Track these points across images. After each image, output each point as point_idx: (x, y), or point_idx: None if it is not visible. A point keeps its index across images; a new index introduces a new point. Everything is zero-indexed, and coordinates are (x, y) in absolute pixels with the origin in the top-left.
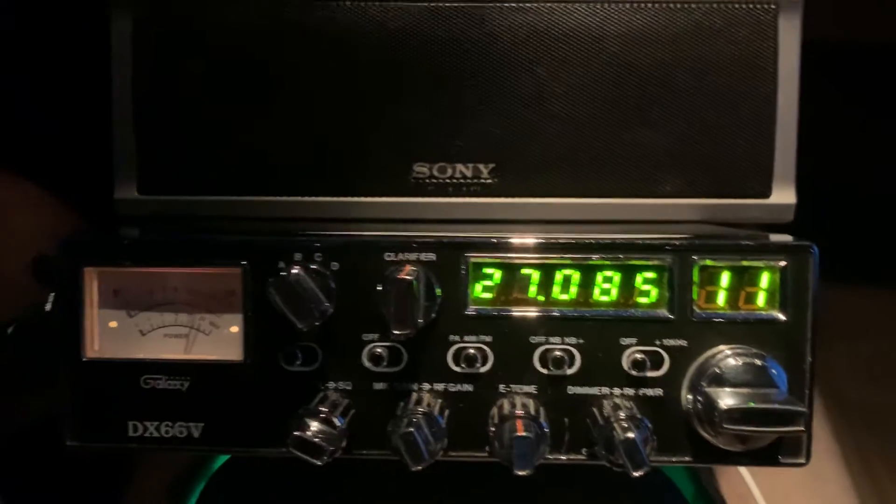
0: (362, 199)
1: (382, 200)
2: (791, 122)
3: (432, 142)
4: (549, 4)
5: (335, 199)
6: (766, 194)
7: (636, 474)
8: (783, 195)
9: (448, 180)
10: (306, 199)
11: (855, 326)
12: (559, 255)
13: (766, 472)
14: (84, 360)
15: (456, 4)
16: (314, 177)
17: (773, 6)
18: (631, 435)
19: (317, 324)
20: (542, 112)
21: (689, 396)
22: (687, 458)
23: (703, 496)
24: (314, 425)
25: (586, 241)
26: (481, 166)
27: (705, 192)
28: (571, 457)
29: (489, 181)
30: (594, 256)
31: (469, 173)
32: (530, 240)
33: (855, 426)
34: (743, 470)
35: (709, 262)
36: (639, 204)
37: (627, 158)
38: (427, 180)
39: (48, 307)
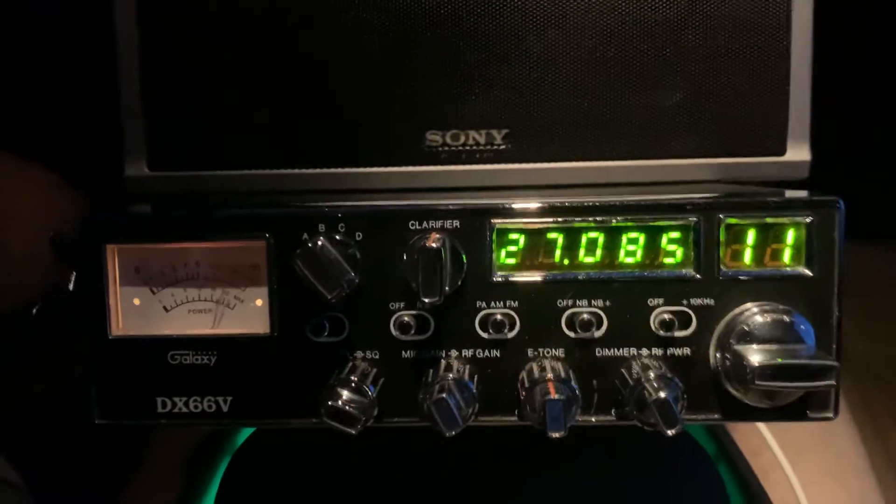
0: (375, 169)
1: (396, 170)
2: (805, 78)
3: (444, 109)
4: None
5: (348, 170)
6: (781, 151)
7: (670, 433)
8: (798, 152)
9: (461, 147)
10: (319, 170)
11: (862, 281)
12: (583, 218)
13: (779, 427)
14: (110, 338)
15: None
16: (326, 148)
17: None
18: (663, 394)
19: (343, 294)
20: (553, 76)
21: (718, 355)
22: (716, 416)
23: (724, 454)
24: (346, 394)
25: (611, 203)
26: (494, 132)
27: (720, 151)
28: (601, 418)
29: (502, 147)
30: (618, 218)
31: (482, 139)
32: (554, 203)
33: (861, 379)
34: (760, 425)
35: (734, 220)
36: (653, 165)
37: (641, 119)
38: (440, 148)
39: (71, 286)
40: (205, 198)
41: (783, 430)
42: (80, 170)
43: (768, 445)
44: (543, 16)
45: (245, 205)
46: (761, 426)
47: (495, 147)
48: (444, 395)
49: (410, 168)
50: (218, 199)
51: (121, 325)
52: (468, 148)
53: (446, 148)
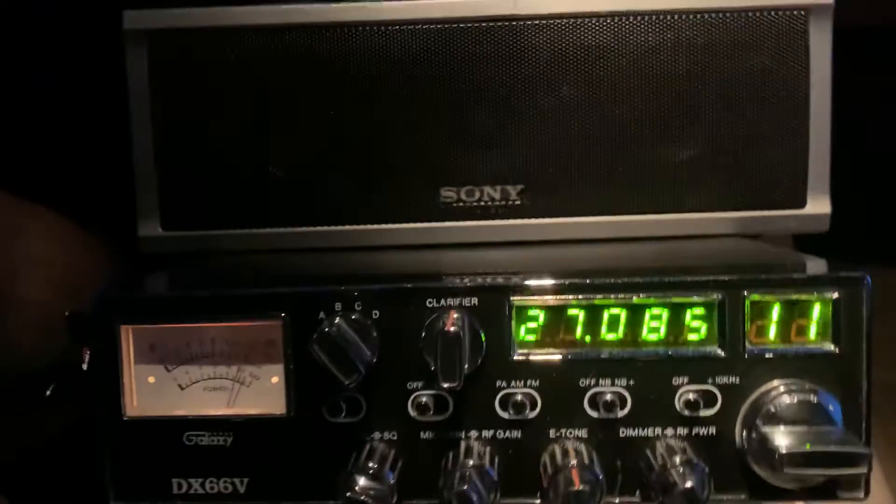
0: (390, 225)
1: (411, 226)
2: (824, 129)
3: (458, 166)
4: (570, 20)
5: (363, 227)
6: (801, 204)
7: None
8: (818, 205)
9: (476, 203)
10: (333, 228)
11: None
12: (605, 295)
13: None
14: (125, 419)
15: (476, 25)
16: (340, 206)
17: (802, 12)
18: (690, 483)
19: (360, 377)
20: (568, 130)
21: (744, 434)
22: (742, 497)
23: None
24: (364, 482)
25: (633, 281)
26: (509, 188)
27: (738, 204)
28: (625, 499)
29: (518, 202)
30: (641, 294)
31: (497, 195)
32: (574, 281)
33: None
34: None
35: (758, 297)
36: (671, 219)
37: (658, 173)
38: (455, 204)
39: (85, 366)
40: (219, 257)
41: None
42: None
43: None
44: (556, 72)
45: (261, 282)
46: None
47: (510, 202)
48: (465, 487)
49: (426, 224)
50: (231, 261)
51: (135, 404)
52: (483, 203)
53: (461, 204)
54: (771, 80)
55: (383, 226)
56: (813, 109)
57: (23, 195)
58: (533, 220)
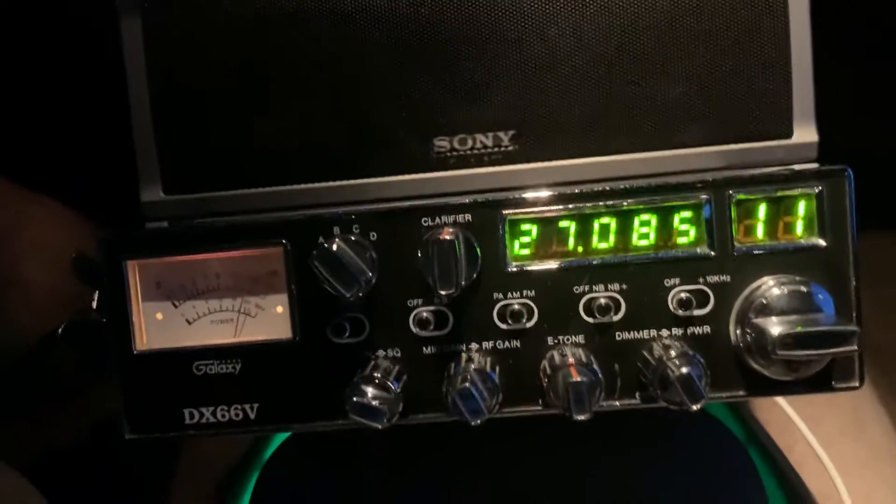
0: (386, 178)
1: (406, 178)
2: (806, 59)
3: (450, 115)
4: None
5: (359, 181)
6: (788, 134)
7: (695, 408)
8: (805, 134)
9: (469, 151)
10: (330, 184)
11: (880, 270)
12: (594, 204)
13: (809, 419)
14: (135, 353)
15: None
16: (336, 162)
17: None
18: (685, 370)
19: (361, 293)
20: (555, 73)
21: (738, 330)
22: (741, 393)
23: (754, 440)
24: (371, 391)
25: (620, 187)
26: (501, 134)
27: (727, 137)
28: (625, 402)
29: (510, 148)
30: (629, 201)
31: (490, 142)
32: (564, 191)
33: (887, 370)
34: (792, 416)
35: (744, 196)
36: (661, 156)
37: (645, 111)
38: (448, 153)
39: (94, 304)
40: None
41: (814, 422)
42: (95, 199)
43: (801, 437)
44: (542, 16)
45: (260, 213)
46: (793, 417)
47: (503, 149)
48: (467, 385)
49: (420, 175)
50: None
51: (145, 339)
52: (476, 151)
53: (454, 153)
54: (751, 12)
55: (379, 179)
56: (793, 39)
57: (26, 183)
58: (526, 165)
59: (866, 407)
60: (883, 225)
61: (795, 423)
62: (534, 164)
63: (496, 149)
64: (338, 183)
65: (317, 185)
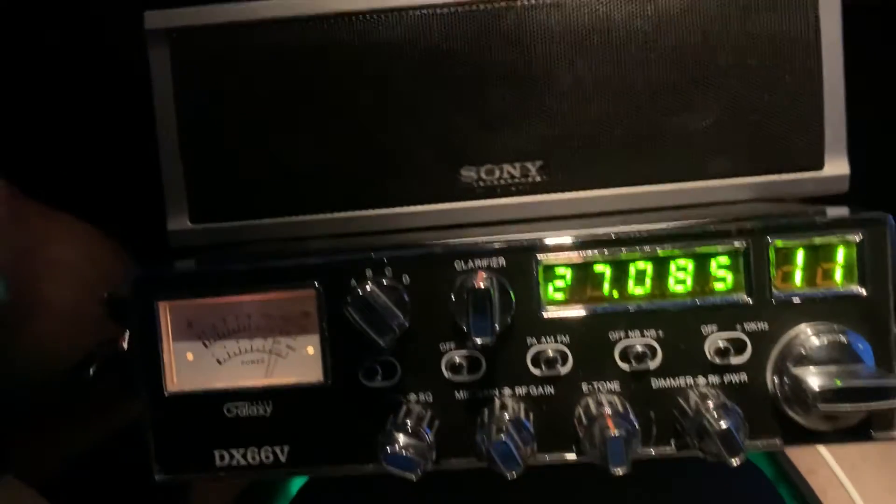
0: (413, 207)
1: (433, 208)
2: (838, 91)
3: (477, 145)
4: None
5: (387, 210)
6: (819, 166)
7: (734, 462)
8: (836, 166)
9: (496, 182)
10: (358, 213)
11: None
12: (629, 249)
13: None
14: (166, 395)
15: (490, 6)
16: (364, 191)
17: None
18: (724, 424)
19: (394, 338)
20: (585, 105)
21: (775, 379)
22: (777, 442)
23: (783, 475)
24: (403, 439)
25: (657, 232)
26: (529, 164)
27: (757, 169)
28: (661, 450)
29: (538, 179)
30: (665, 246)
31: (517, 173)
32: (599, 236)
33: None
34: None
35: (782, 243)
36: (691, 188)
37: (675, 142)
38: (475, 183)
39: (125, 345)
40: (246, 246)
41: (837, 446)
42: (120, 223)
43: (824, 462)
44: (570, 46)
45: (292, 254)
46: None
47: (530, 179)
48: (503, 437)
49: (447, 205)
50: (258, 249)
51: (175, 381)
52: (503, 182)
53: (481, 183)
54: (783, 45)
55: (406, 208)
56: (826, 72)
57: (48, 202)
58: (553, 196)
59: None
60: None
61: (818, 448)
62: (561, 194)
63: (523, 179)
64: (364, 213)
65: (343, 214)
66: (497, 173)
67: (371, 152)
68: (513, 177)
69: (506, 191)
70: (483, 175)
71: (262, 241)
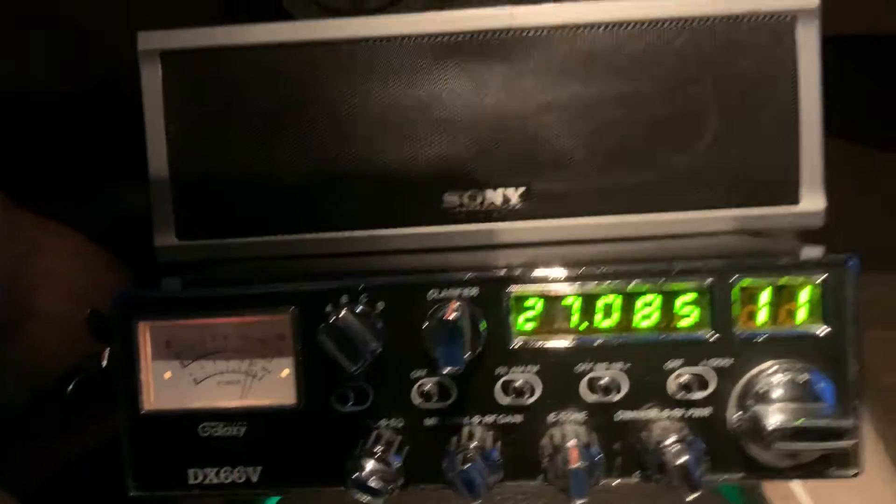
0: (394, 230)
1: (414, 231)
2: (815, 128)
3: (461, 171)
4: (565, 31)
5: (368, 232)
6: (795, 201)
7: (691, 497)
8: (812, 201)
9: (478, 207)
10: (341, 234)
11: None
12: (599, 283)
13: None
14: (143, 413)
15: (472, 38)
16: (346, 212)
17: (788, 17)
18: (683, 459)
19: (366, 364)
20: (567, 135)
21: (737, 414)
22: (739, 476)
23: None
24: (370, 465)
25: (626, 270)
26: (511, 191)
27: (734, 202)
28: (624, 480)
29: (519, 205)
30: (634, 282)
31: (499, 199)
32: (570, 271)
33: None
34: None
35: (748, 282)
36: (669, 219)
37: (654, 174)
38: (457, 209)
39: (104, 363)
40: (231, 264)
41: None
42: (111, 236)
43: (795, 493)
44: (553, 78)
45: (270, 278)
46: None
47: (512, 206)
48: (467, 466)
49: (429, 228)
50: (244, 267)
51: (152, 399)
52: (486, 207)
53: (463, 208)
54: (761, 83)
55: (388, 231)
56: (803, 110)
57: (43, 213)
58: (535, 223)
59: (870, 460)
60: (890, 267)
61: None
62: (542, 221)
63: (505, 206)
64: (346, 234)
65: (326, 234)
66: (480, 199)
67: (355, 176)
68: (494, 203)
69: (488, 216)
70: (466, 200)
71: (245, 259)
